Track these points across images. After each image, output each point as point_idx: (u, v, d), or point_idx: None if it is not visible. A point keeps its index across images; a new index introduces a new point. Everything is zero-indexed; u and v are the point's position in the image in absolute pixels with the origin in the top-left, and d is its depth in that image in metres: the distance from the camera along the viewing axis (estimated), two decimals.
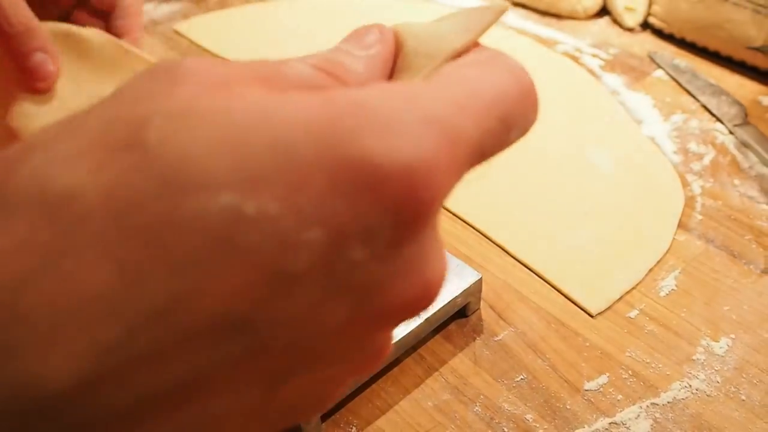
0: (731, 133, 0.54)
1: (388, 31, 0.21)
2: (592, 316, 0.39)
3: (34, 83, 0.41)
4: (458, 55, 0.21)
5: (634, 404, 0.35)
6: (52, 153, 0.15)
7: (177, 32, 0.66)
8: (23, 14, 0.40)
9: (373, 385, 0.36)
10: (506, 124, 0.17)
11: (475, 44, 0.21)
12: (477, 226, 0.45)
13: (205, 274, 0.14)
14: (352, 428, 0.34)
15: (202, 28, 0.66)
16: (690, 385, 0.35)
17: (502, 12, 0.23)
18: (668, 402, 0.34)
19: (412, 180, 0.14)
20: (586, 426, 0.34)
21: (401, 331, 0.35)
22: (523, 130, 0.18)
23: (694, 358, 0.37)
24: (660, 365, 0.36)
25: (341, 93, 0.16)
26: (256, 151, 0.14)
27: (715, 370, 0.36)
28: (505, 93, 0.17)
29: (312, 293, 0.14)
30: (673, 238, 0.44)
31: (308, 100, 0.15)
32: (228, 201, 0.14)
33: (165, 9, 0.70)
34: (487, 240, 0.44)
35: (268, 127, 0.15)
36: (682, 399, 0.35)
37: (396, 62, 0.22)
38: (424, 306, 0.16)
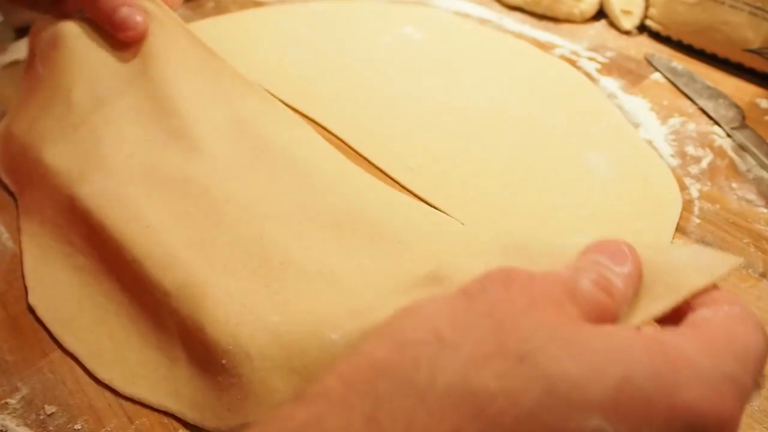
0: (729, 136, 0.54)
1: (634, 250, 0.25)
2: None
3: (123, 33, 0.47)
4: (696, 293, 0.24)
5: None
6: (463, 354, 0.18)
7: None
8: None
9: None
10: (756, 380, 0.21)
11: (714, 286, 0.25)
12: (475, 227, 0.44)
13: None
14: None
15: (199, 34, 0.66)
16: None
17: (737, 264, 0.26)
18: None
19: (721, 426, 0.19)
20: None
21: None
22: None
23: None
24: None
25: (668, 341, 0.20)
26: (615, 382, 0.18)
27: None
28: (763, 353, 0.21)
29: None
30: (671, 242, 0.44)
31: (644, 341, 0.19)
32: (598, 424, 0.17)
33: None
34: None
35: (623, 361, 0.18)
36: None
37: None
38: None
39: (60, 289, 0.40)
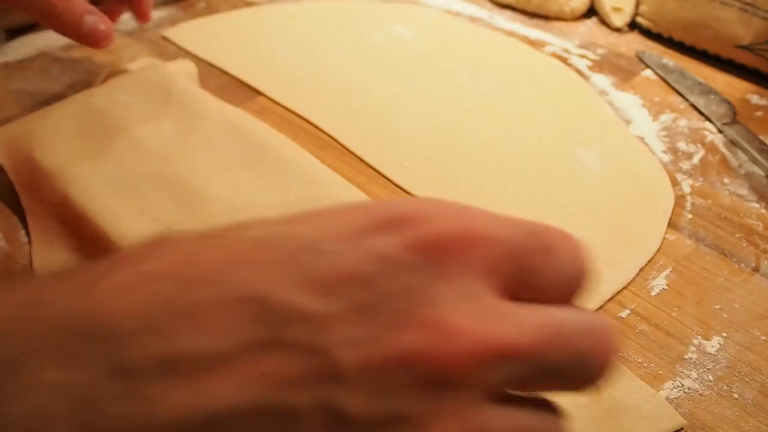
0: (720, 131, 0.54)
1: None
2: None
3: (93, 44, 0.48)
4: None
5: None
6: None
7: (164, 38, 0.66)
8: None
9: None
10: None
11: None
12: None
13: None
14: None
15: (190, 34, 0.66)
16: (682, 385, 0.35)
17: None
18: None
19: None
20: None
21: None
22: None
23: (686, 357, 0.37)
24: (652, 365, 0.36)
25: None
26: None
27: (708, 369, 0.36)
28: None
29: None
30: (664, 238, 0.44)
31: None
32: None
33: (153, 15, 0.69)
34: None
35: None
36: (675, 398, 0.35)
37: None
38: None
39: None
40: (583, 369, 0.21)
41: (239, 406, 0.17)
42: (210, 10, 0.71)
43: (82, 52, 0.62)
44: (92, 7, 0.48)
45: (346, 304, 0.18)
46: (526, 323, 0.19)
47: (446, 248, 0.19)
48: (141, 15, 0.51)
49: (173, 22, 0.68)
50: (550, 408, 0.22)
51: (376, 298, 0.18)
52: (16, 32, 0.65)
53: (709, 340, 0.38)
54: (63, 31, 0.48)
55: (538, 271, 0.21)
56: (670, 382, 0.35)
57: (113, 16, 0.52)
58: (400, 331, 0.18)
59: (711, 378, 0.36)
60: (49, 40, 0.64)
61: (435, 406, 0.18)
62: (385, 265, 0.19)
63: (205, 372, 0.17)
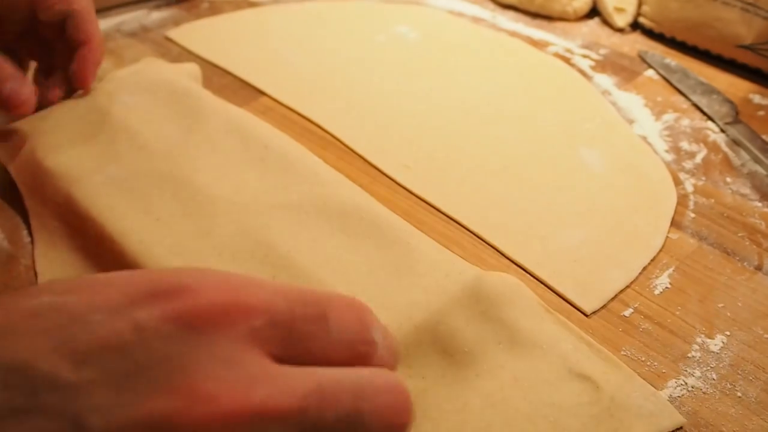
0: (723, 131, 0.54)
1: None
2: (586, 315, 0.39)
3: (12, 110, 0.45)
4: None
5: None
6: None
7: (168, 38, 0.66)
8: None
9: None
10: None
11: None
12: (470, 227, 0.45)
13: None
14: None
15: (193, 35, 0.66)
16: (686, 383, 0.35)
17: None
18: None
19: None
20: None
21: None
22: None
23: (689, 355, 0.37)
24: (656, 363, 0.36)
25: None
26: None
27: (711, 367, 0.36)
28: None
29: None
30: (667, 237, 0.44)
31: None
32: None
33: (156, 16, 0.70)
34: (481, 241, 0.44)
35: None
36: (678, 397, 0.35)
37: None
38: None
39: (68, 272, 0.41)
40: (362, 428, 0.21)
41: None
42: (213, 10, 0.71)
43: None
44: (17, 74, 0.45)
45: (102, 372, 0.19)
46: (290, 386, 0.20)
47: (209, 319, 0.21)
48: (80, 80, 0.47)
49: (177, 22, 0.69)
50: None
51: (131, 366, 0.19)
52: None
53: (713, 339, 0.38)
54: None
55: (313, 338, 0.22)
56: (674, 380, 0.35)
57: (53, 95, 0.49)
58: (152, 396, 0.19)
59: (714, 376, 0.36)
60: None
61: None
62: (142, 334, 0.20)
63: None
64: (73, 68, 0.47)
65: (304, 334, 0.22)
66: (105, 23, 0.68)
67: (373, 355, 0.23)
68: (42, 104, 0.48)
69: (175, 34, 0.66)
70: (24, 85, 0.45)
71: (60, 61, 0.49)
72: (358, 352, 0.23)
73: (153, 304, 0.21)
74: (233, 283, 0.22)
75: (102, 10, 0.69)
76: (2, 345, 0.19)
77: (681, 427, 0.33)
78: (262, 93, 0.58)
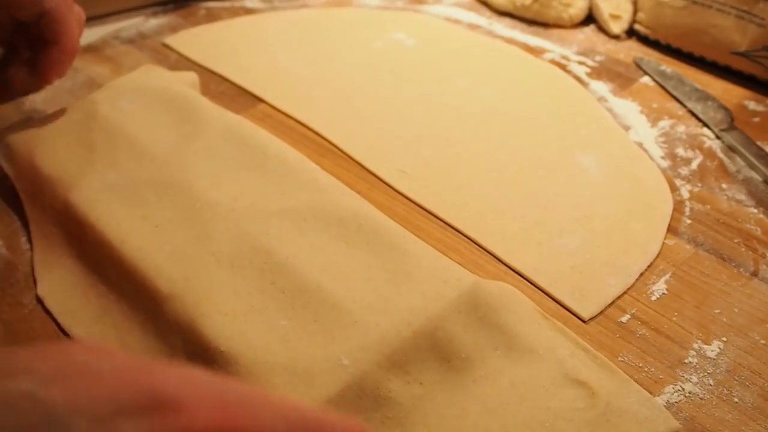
0: (718, 137, 0.54)
1: None
2: (584, 321, 0.39)
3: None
4: None
5: None
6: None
7: (165, 45, 0.66)
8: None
9: None
10: None
11: None
12: (468, 233, 0.45)
13: None
14: None
15: (191, 42, 0.66)
16: (683, 389, 0.35)
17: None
18: (662, 406, 0.34)
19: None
20: None
21: None
22: None
23: (686, 361, 0.37)
24: (653, 369, 0.36)
25: None
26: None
27: (708, 373, 0.36)
28: None
29: None
30: (663, 243, 0.44)
31: None
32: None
33: (153, 23, 0.70)
34: (478, 247, 0.44)
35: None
36: (675, 402, 0.35)
37: None
38: None
39: (66, 278, 0.41)
40: None
41: None
42: (211, 17, 0.71)
43: (83, 61, 0.62)
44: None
45: None
46: None
47: None
48: (41, 76, 0.48)
49: (174, 29, 0.69)
50: None
51: None
52: None
53: (709, 345, 0.38)
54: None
55: None
56: (671, 386, 0.36)
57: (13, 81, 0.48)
58: None
59: (711, 382, 0.36)
60: None
61: None
62: None
63: None
64: (38, 64, 0.47)
65: None
66: (103, 30, 0.68)
67: None
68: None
69: (172, 41, 0.66)
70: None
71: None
72: None
73: (141, 416, 0.19)
74: (231, 400, 0.20)
75: (100, 17, 0.70)
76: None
77: None
78: (260, 100, 0.58)
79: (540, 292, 0.41)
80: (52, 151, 0.46)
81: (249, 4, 0.74)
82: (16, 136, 0.48)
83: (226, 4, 0.74)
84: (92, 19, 0.69)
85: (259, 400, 0.21)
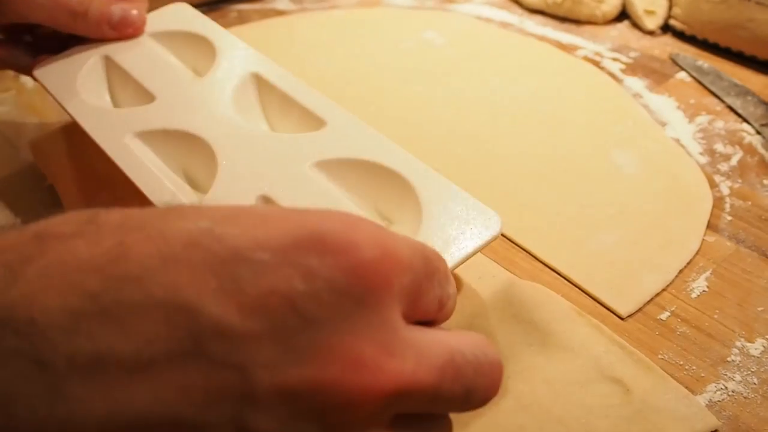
0: (758, 133, 0.53)
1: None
2: (622, 319, 0.38)
3: (127, 31, 0.46)
4: None
5: None
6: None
7: None
8: None
9: None
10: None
11: None
12: (503, 231, 0.44)
13: None
14: None
15: None
16: (726, 387, 0.34)
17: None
18: (704, 404, 0.34)
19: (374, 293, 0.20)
20: None
21: None
22: None
23: (729, 359, 0.36)
24: (694, 367, 0.35)
25: None
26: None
27: (752, 371, 0.35)
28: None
29: None
30: (703, 240, 0.43)
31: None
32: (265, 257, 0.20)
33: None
34: (513, 244, 0.43)
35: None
36: (719, 401, 0.34)
37: None
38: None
39: None
40: (466, 402, 0.22)
41: (153, 414, 0.17)
42: (242, 19, 0.72)
43: None
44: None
45: (270, 325, 0.18)
46: (430, 358, 0.20)
47: (372, 275, 0.20)
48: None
49: None
50: (441, 424, 0.23)
51: (299, 320, 0.18)
52: None
53: (753, 343, 0.37)
54: (89, 30, 0.45)
55: (426, 294, 0.22)
56: (713, 384, 0.35)
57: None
58: (318, 359, 0.18)
59: (755, 381, 0.35)
60: None
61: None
62: (313, 285, 0.19)
63: (127, 377, 0.17)
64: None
65: (423, 290, 0.22)
66: None
67: (447, 308, 0.24)
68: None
69: None
70: (128, 7, 0.45)
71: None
72: (441, 305, 0.23)
73: (319, 252, 0.19)
74: (383, 236, 0.21)
75: None
76: (165, 280, 0.18)
77: (716, 431, 0.32)
78: None
79: (576, 289, 0.40)
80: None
81: (279, 6, 0.75)
82: (53, 136, 0.48)
83: (257, 6, 0.74)
84: None
85: (397, 235, 0.22)
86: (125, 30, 0.46)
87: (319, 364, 0.18)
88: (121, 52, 0.46)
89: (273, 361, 0.18)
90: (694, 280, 0.41)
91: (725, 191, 0.48)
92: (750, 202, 0.46)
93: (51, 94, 0.43)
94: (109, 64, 0.46)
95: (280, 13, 0.74)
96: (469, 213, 0.34)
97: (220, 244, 0.19)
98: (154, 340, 0.17)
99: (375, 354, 0.19)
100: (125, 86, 0.45)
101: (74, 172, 0.46)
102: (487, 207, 0.35)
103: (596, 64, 0.63)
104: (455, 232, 0.33)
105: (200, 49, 0.48)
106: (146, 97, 0.43)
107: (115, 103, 0.46)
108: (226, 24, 0.71)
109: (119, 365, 0.17)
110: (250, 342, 0.18)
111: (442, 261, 0.23)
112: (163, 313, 0.17)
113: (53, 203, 0.46)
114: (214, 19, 0.71)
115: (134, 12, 0.46)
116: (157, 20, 0.49)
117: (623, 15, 0.70)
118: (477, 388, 0.21)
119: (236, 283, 0.18)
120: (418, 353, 0.20)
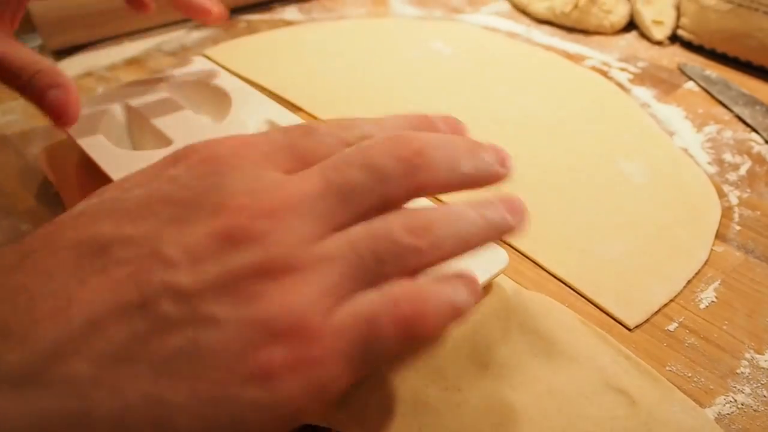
0: (767, 142, 0.53)
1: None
2: (629, 329, 0.38)
3: (56, 120, 0.39)
4: None
5: None
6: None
7: (207, 57, 0.67)
8: (31, 59, 0.39)
9: None
10: None
11: None
12: (508, 240, 0.44)
13: None
14: None
15: (231, 53, 0.67)
16: (735, 400, 0.34)
17: None
18: (713, 417, 0.33)
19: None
20: None
21: None
22: None
23: (738, 371, 0.35)
24: (702, 379, 0.35)
25: None
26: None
27: (762, 383, 0.35)
28: None
29: None
30: (711, 250, 0.43)
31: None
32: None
33: (195, 35, 0.71)
34: (519, 254, 0.43)
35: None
36: (728, 414, 0.33)
37: None
38: None
39: None
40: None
41: (106, 304, 0.21)
42: (251, 29, 0.72)
43: (126, 72, 0.64)
44: (64, 80, 0.40)
45: (157, 219, 0.23)
46: (308, 174, 0.25)
47: (230, 155, 0.25)
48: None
49: (215, 41, 0.70)
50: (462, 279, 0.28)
51: (179, 208, 0.23)
52: (62, 53, 0.67)
53: (763, 354, 0.36)
54: (27, 97, 0.40)
55: (308, 144, 0.27)
56: (723, 397, 0.34)
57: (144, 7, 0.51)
58: (208, 218, 0.23)
59: (766, 393, 0.34)
60: (94, 60, 0.66)
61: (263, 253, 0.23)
62: (178, 182, 0.24)
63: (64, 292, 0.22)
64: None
65: (303, 144, 0.27)
66: (146, 43, 0.69)
67: (371, 142, 0.27)
68: None
69: (213, 52, 0.67)
70: (70, 93, 0.39)
71: None
72: (348, 143, 0.28)
73: (178, 162, 0.26)
74: (245, 136, 0.27)
75: (143, 31, 0.71)
76: (80, 225, 0.24)
77: None
78: (298, 109, 0.58)
79: (582, 299, 0.40)
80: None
81: (288, 16, 0.75)
82: (61, 146, 0.49)
83: (266, 17, 0.75)
84: (136, 33, 0.71)
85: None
86: (53, 118, 0.40)
87: (208, 222, 0.23)
88: (141, 99, 0.48)
89: (173, 236, 0.22)
90: (702, 291, 0.40)
91: (734, 201, 0.47)
92: (759, 212, 0.46)
93: (71, 137, 0.44)
94: (130, 110, 0.48)
95: (288, 23, 0.74)
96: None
97: (120, 196, 0.25)
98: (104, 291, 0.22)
99: (246, 197, 0.24)
100: (143, 132, 0.47)
101: (81, 180, 0.46)
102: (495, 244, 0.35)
103: (604, 74, 0.63)
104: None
105: (217, 99, 0.50)
106: (164, 141, 0.45)
107: (135, 148, 0.48)
108: (236, 34, 0.71)
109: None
110: (146, 234, 0.23)
111: (322, 124, 0.28)
112: (89, 245, 0.23)
113: (59, 212, 0.47)
114: (224, 30, 0.72)
115: (68, 98, 0.40)
116: (179, 73, 0.52)
117: (631, 25, 0.70)
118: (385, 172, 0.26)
119: (122, 209, 0.24)
120: (289, 181, 0.25)
